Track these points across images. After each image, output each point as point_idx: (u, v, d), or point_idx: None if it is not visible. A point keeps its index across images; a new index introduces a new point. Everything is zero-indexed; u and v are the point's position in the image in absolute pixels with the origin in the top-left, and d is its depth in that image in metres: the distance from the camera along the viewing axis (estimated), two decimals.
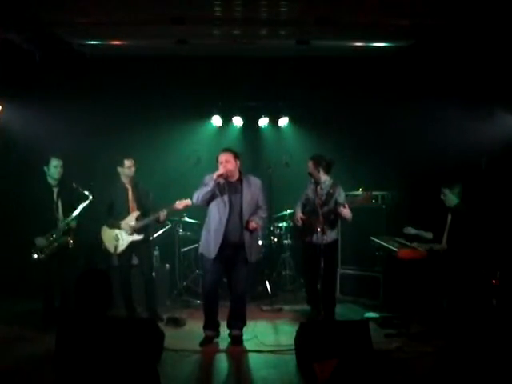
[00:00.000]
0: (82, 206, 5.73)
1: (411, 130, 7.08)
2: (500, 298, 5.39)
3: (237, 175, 5.16)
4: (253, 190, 5.16)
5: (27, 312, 6.16)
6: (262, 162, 7.57)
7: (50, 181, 5.75)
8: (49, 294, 5.75)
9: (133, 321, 5.36)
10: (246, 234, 5.10)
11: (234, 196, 5.09)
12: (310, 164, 5.88)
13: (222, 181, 5.05)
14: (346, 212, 5.58)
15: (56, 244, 5.66)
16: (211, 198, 5.09)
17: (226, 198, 5.06)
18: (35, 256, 5.58)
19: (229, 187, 5.09)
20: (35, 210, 5.68)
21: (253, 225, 5.06)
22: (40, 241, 5.60)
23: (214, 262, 5.10)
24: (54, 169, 5.69)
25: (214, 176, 5.00)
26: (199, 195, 5.10)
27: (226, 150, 5.20)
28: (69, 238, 5.72)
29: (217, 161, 5.11)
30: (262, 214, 5.22)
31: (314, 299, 6.03)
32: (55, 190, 5.77)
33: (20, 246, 5.85)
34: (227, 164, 5.06)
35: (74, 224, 5.77)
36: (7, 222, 6.71)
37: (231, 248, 5.09)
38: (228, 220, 5.04)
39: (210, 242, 5.11)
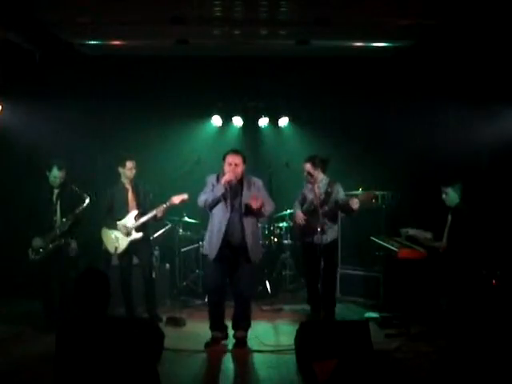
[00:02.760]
0: (79, 208, 5.72)
1: (411, 130, 7.09)
2: (500, 298, 5.39)
3: (239, 177, 5.09)
4: (252, 190, 5.08)
5: (27, 312, 6.16)
6: (262, 161, 7.56)
7: (52, 182, 5.75)
8: (49, 294, 5.75)
9: (133, 321, 5.32)
10: (248, 235, 5.04)
11: (234, 197, 5.04)
12: (308, 165, 5.87)
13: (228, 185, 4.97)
14: (354, 202, 5.45)
15: (51, 246, 5.64)
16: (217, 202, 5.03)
17: (227, 199, 5.00)
18: (31, 256, 5.62)
19: (230, 188, 5.02)
20: (35, 210, 5.69)
21: (255, 203, 4.89)
22: (36, 241, 5.62)
23: (214, 263, 5.07)
24: (54, 178, 5.69)
25: (223, 181, 4.92)
26: (208, 200, 5.01)
27: (236, 151, 5.10)
28: (63, 240, 5.68)
29: (223, 159, 5.05)
30: (268, 207, 5.10)
31: (314, 299, 6.03)
32: (56, 191, 5.77)
33: (20, 246, 5.85)
34: (236, 168, 4.99)
35: (69, 226, 5.73)
36: (8, 221, 6.70)
37: (233, 249, 5.05)
38: (228, 221, 5.00)
39: (212, 244, 5.07)
